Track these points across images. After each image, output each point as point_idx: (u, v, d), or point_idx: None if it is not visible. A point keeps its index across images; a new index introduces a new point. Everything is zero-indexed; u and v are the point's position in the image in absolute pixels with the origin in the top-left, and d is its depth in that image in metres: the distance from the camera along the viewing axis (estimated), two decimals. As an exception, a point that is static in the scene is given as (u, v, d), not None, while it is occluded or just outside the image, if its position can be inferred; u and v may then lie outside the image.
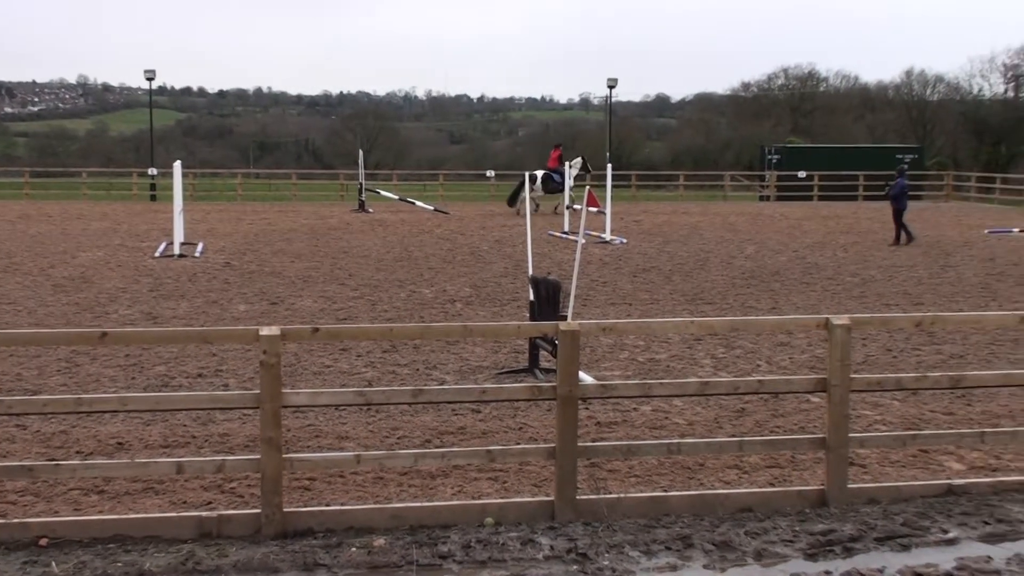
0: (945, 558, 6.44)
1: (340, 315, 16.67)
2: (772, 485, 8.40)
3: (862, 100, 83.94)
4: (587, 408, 10.54)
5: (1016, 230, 33.69)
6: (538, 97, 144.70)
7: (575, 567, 6.34)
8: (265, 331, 6.97)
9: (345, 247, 27.25)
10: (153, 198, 48.48)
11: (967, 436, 8.68)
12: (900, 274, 22.46)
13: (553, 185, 39.75)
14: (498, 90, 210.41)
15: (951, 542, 6.73)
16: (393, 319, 16.32)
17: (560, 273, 19.49)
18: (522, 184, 40.16)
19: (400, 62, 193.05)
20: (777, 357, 13.60)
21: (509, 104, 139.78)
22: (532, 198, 40.28)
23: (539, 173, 40.21)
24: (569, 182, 37.50)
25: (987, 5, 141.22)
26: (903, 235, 29.30)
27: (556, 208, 39.14)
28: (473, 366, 12.95)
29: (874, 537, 6.76)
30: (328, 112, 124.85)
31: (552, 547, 6.61)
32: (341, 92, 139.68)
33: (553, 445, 7.44)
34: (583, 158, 39.73)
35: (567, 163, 38.53)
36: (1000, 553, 6.52)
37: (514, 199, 41.09)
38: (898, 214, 29.64)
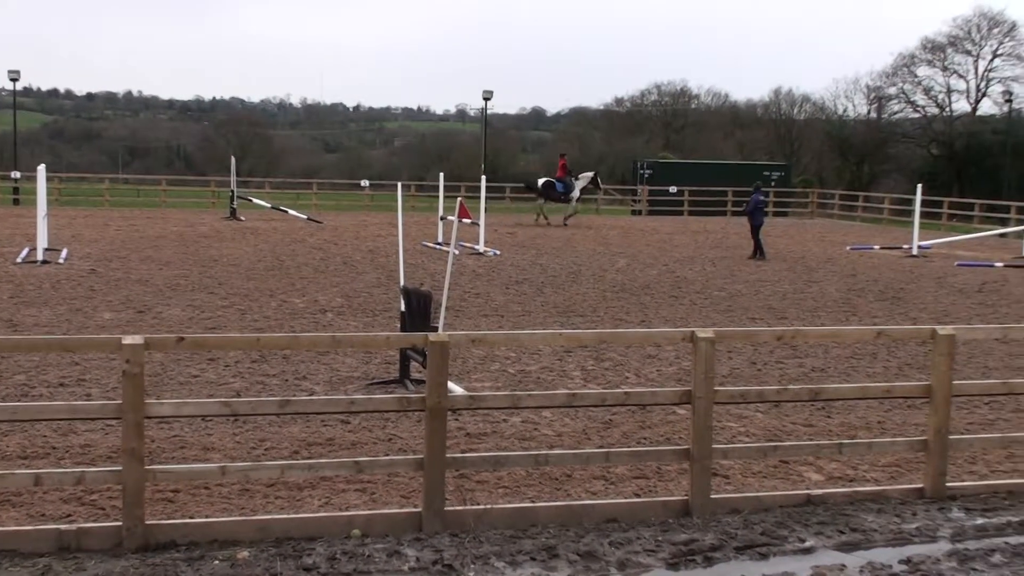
0: (801, 566, 6.61)
1: (208, 324, 16.38)
2: (638, 496, 8.52)
3: (732, 117, 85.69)
4: (457, 419, 10.55)
5: (876, 247, 34.80)
6: (415, 107, 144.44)
7: (441, 579, 6.34)
8: (128, 340, 6.82)
9: (215, 255, 26.81)
10: (16, 202, 47.06)
11: (825, 447, 8.94)
12: (766, 288, 23.00)
13: (555, 194, 40.75)
14: (374, 99, 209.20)
15: (808, 551, 6.91)
16: (263, 329, 16.10)
17: (433, 284, 19.49)
18: (534, 189, 42.29)
19: (275, 69, 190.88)
20: (646, 369, 13.80)
21: (385, 114, 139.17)
22: (537, 207, 41.05)
23: (541, 180, 41.50)
24: (576, 193, 38.04)
25: (852, 29, 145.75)
26: (757, 251, 30.15)
27: (565, 220, 40.14)
28: (344, 377, 12.85)
29: (734, 546, 6.90)
30: (200, 118, 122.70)
31: (418, 559, 6.59)
32: (214, 98, 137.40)
33: (421, 456, 7.43)
34: (595, 173, 39.93)
35: (575, 175, 39.64)
36: (854, 561, 6.72)
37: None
38: (754, 229, 30.51)
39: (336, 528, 7.12)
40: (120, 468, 6.91)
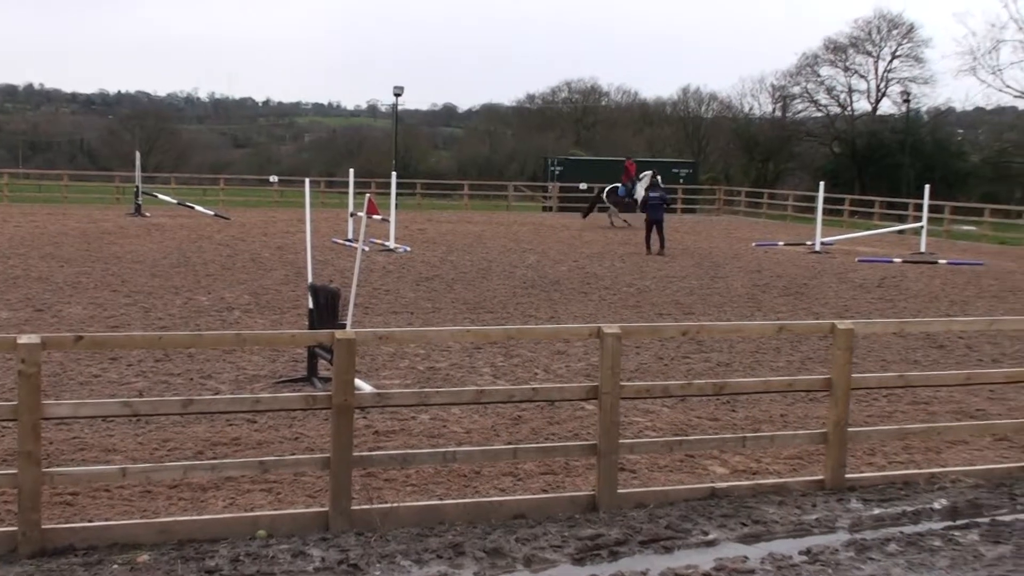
0: (705, 559, 6.70)
1: (111, 323, 16.09)
2: (546, 491, 8.56)
3: (642, 115, 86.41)
4: (365, 417, 10.51)
5: (781, 243, 35.38)
6: (325, 103, 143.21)
7: (346, 578, 6.30)
8: (24, 339, 6.67)
9: (119, 252, 26.34)
10: (-90, 198, 45.79)
11: (730, 441, 9.07)
12: (673, 284, 23.25)
13: (616, 198, 40.82)
14: (284, 94, 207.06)
15: (711, 543, 7.00)
16: (167, 327, 15.86)
17: (342, 281, 19.35)
18: (596, 197, 42.63)
19: (181, 62, 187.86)
20: (555, 365, 13.86)
21: (295, 109, 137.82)
22: (608, 213, 41.59)
23: (606, 189, 42.06)
24: (640, 194, 37.66)
25: (758, 29, 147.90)
26: (649, 245, 30.56)
27: (611, 221, 40.16)
28: (250, 375, 12.71)
29: (639, 540, 6.97)
30: (105, 111, 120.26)
31: (323, 559, 6.55)
32: (119, 91, 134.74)
33: (328, 455, 7.38)
34: (653, 172, 38.71)
35: (638, 177, 39.35)
36: (755, 553, 6.83)
37: (587, 212, 43.08)
38: (653, 224, 30.88)
39: (240, 529, 7.04)
40: (15, 471, 6.75)
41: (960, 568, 6.67)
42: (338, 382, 7.25)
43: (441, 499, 8.15)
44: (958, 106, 76.25)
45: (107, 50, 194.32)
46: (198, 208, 40.42)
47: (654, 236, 30.88)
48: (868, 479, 8.73)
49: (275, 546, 6.75)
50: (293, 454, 9.29)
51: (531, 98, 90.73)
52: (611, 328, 7.85)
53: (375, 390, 9.69)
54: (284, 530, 7.08)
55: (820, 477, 8.58)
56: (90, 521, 7.44)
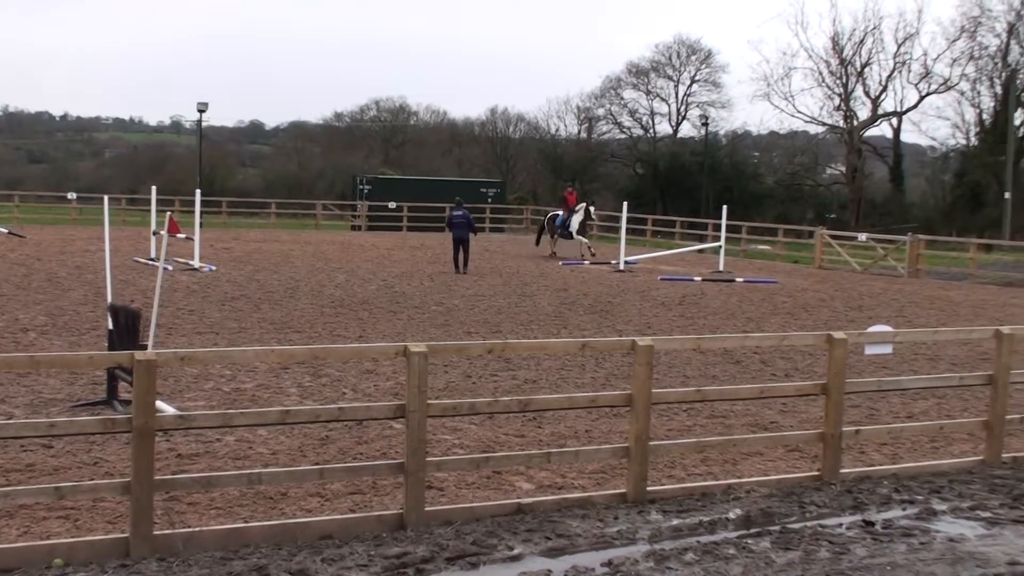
0: (510, 574, 6.81)
1: None
2: (353, 511, 8.53)
3: (450, 135, 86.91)
4: (168, 440, 10.27)
5: (587, 262, 36.13)
6: (127, 118, 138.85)
7: (148, 605, 6.17)
8: None
9: (-98, 272, 25.01)
10: None
11: (535, 456, 9.23)
12: (482, 303, 23.47)
13: (553, 228, 39.51)
14: (83, 109, 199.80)
15: (516, 558, 7.12)
16: (-44, 350, 15.15)
17: (144, 301, 18.86)
18: (543, 227, 40.97)
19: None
20: (363, 385, 13.82)
21: (95, 124, 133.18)
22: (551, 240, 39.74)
23: (548, 215, 41.07)
24: (574, 226, 37.39)
25: (564, 51, 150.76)
26: (456, 264, 30.98)
27: (582, 254, 37.63)
28: (47, 399, 12.26)
29: (445, 557, 7.03)
30: None
31: (123, 585, 6.39)
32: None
33: (128, 479, 7.21)
34: (587, 204, 38.65)
35: (575, 208, 38.38)
36: (559, 566, 6.98)
37: (539, 239, 41.56)
38: (458, 244, 31.26)
39: (36, 558, 6.81)
40: None
41: (752, 574, 6.97)
42: (138, 404, 7.09)
43: (246, 522, 8.05)
44: (754, 130, 79.48)
45: None
46: (-10, 226, 38.71)
47: (460, 255, 31.20)
48: (668, 491, 9.02)
49: (72, 574, 6.55)
50: (92, 479, 9.01)
51: (339, 116, 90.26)
52: (417, 347, 7.91)
53: (178, 412, 9.49)
54: (82, 558, 6.88)
55: (623, 490, 8.81)
56: None
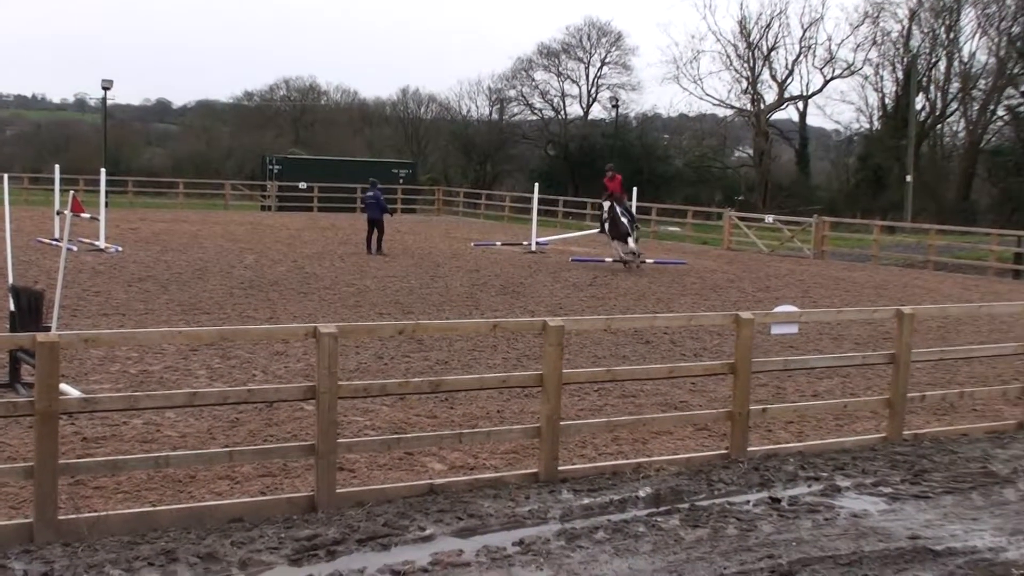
0: (421, 554, 6.81)
1: None
2: (263, 494, 8.46)
3: (361, 115, 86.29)
4: (73, 424, 10.09)
5: (499, 243, 36.18)
6: (28, 95, 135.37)
7: (51, 591, 6.06)
8: None
9: None
10: None
11: (447, 437, 9.23)
12: (393, 284, 23.39)
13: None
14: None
15: (427, 539, 7.12)
16: None
17: (47, 282, 18.45)
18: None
19: None
20: (273, 367, 13.70)
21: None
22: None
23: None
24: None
25: (474, 31, 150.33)
26: (369, 246, 30.91)
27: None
28: (-56, 383, 11.95)
29: (356, 539, 7.01)
30: None
31: (26, 572, 6.27)
32: None
33: (31, 464, 7.06)
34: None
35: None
36: (470, 546, 7.00)
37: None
38: (372, 225, 31.21)
39: (-66, 545, 6.65)
40: None
41: (662, 551, 7.05)
42: (41, 387, 6.95)
43: (154, 505, 7.94)
44: (663, 112, 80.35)
45: None
46: None
47: (374, 236, 31.09)
48: (579, 470, 9.08)
49: (-27, 561, 6.41)
50: (-7, 465, 8.82)
51: (249, 95, 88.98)
52: (327, 328, 7.86)
53: (83, 395, 9.33)
54: (-17, 544, 6.73)
55: (534, 470, 8.86)
56: None
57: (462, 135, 78.41)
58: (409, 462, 9.64)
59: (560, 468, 8.86)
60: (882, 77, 66.92)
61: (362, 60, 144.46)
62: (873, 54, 66.86)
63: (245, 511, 7.60)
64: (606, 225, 30.60)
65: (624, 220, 29.46)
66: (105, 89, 54.93)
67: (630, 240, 29.37)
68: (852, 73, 67.79)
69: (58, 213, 30.67)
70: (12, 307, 12.16)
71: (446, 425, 10.97)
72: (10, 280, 13.02)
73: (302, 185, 53.61)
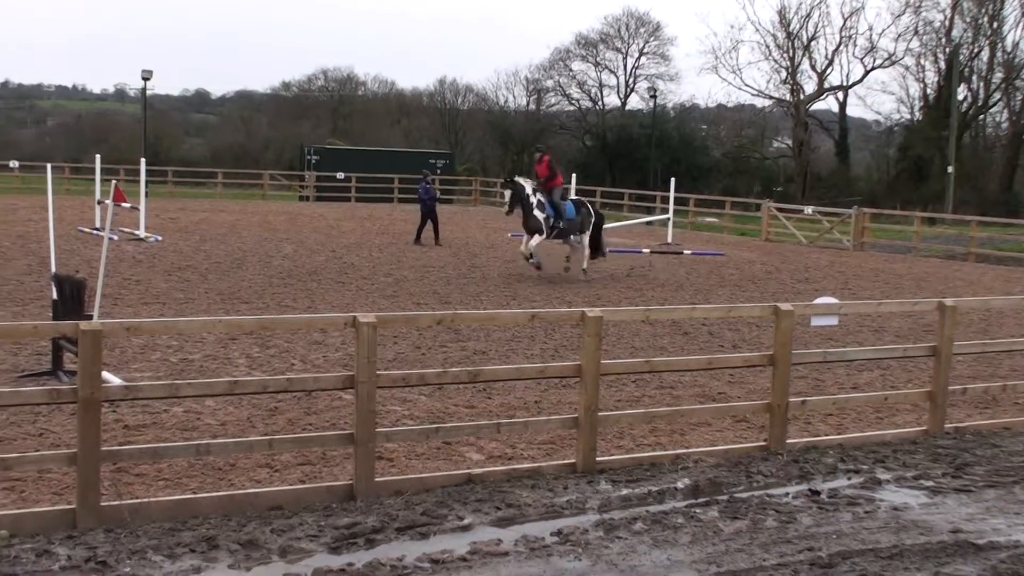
0: (460, 543, 6.82)
1: None
2: (303, 482, 8.51)
3: (398, 105, 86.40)
4: (115, 411, 10.18)
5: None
6: (69, 86, 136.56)
7: (94, 576, 6.12)
8: None
9: None
10: None
11: (485, 427, 9.25)
12: (431, 274, 23.43)
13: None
14: (24, 76, 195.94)
15: (466, 528, 7.13)
16: None
17: (89, 271, 18.63)
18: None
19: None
20: (312, 355, 13.76)
21: (37, 91, 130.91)
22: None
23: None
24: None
25: (512, 23, 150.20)
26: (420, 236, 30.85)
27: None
28: (-11, 370, 12.10)
29: (395, 527, 7.03)
30: None
31: (70, 557, 6.33)
32: None
33: (75, 450, 7.13)
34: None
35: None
36: (509, 536, 7.00)
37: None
38: (423, 216, 31.17)
39: (-20, 530, 6.72)
40: None
41: (701, 543, 7.03)
42: (83, 375, 7.01)
43: (195, 493, 8.00)
44: (701, 103, 79.96)
45: None
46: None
47: (426, 227, 31.13)
48: (617, 461, 9.07)
49: (18, 546, 6.48)
50: (37, 450, 8.91)
51: (287, 86, 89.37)
52: (366, 317, 7.88)
53: (124, 383, 9.41)
54: (28, 529, 6.81)
55: (572, 461, 8.85)
56: None
57: (499, 125, 78.39)
58: (447, 452, 9.65)
59: (598, 459, 8.85)
60: (924, 67, 66.44)
61: (400, 51, 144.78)
62: (915, 44, 66.40)
63: (285, 499, 7.64)
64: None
65: (538, 214, 23.79)
66: (145, 80, 55.27)
67: (536, 238, 23.64)
68: (893, 63, 67.30)
69: (99, 202, 30.95)
70: (55, 295, 12.27)
71: (484, 415, 10.98)
72: (53, 269, 13.13)
73: (340, 175, 53.78)
